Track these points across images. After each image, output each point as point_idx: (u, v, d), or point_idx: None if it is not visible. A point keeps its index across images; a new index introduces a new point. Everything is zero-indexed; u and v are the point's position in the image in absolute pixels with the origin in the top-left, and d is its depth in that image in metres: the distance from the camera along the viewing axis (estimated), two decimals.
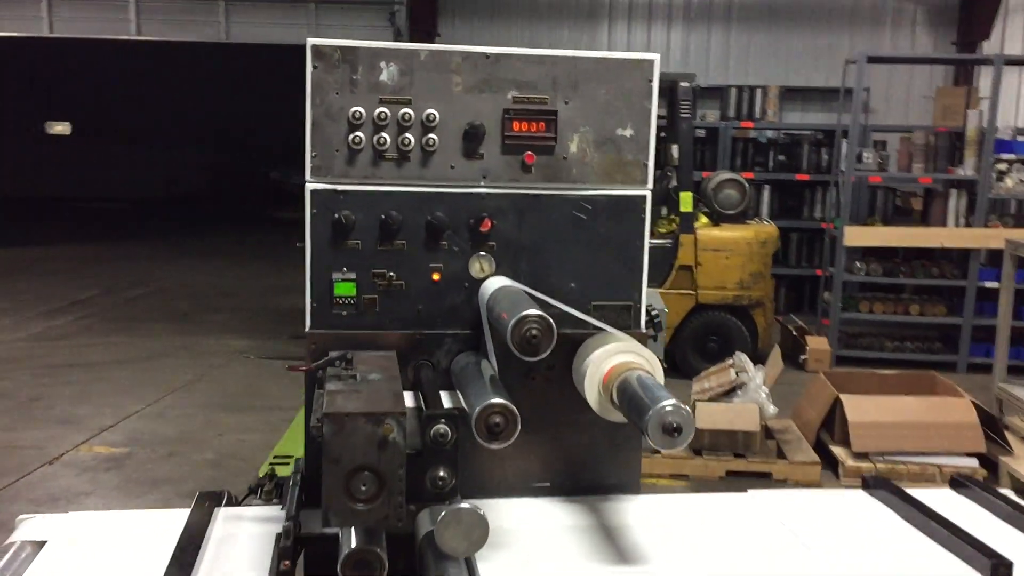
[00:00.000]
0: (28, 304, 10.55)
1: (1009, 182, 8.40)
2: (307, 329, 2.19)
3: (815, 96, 12.02)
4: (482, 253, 2.24)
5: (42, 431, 6.39)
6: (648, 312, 2.34)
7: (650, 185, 2.28)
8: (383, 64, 2.14)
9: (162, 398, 7.16)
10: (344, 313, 2.20)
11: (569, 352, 2.18)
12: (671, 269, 7.82)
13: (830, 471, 5.86)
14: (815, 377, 6.59)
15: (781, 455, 5.88)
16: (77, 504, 5.26)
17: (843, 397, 5.94)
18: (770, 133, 11.26)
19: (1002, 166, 8.48)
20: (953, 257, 8.71)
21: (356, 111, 2.14)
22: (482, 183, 2.23)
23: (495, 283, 2.18)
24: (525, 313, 1.83)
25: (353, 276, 2.19)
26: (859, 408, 5.88)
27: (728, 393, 5.97)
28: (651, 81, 2.25)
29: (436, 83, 2.17)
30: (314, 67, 2.13)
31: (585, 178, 2.25)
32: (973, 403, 5.88)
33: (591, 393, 2.06)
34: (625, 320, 2.29)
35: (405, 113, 2.16)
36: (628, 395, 1.90)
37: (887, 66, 11.21)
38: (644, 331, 2.28)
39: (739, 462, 5.78)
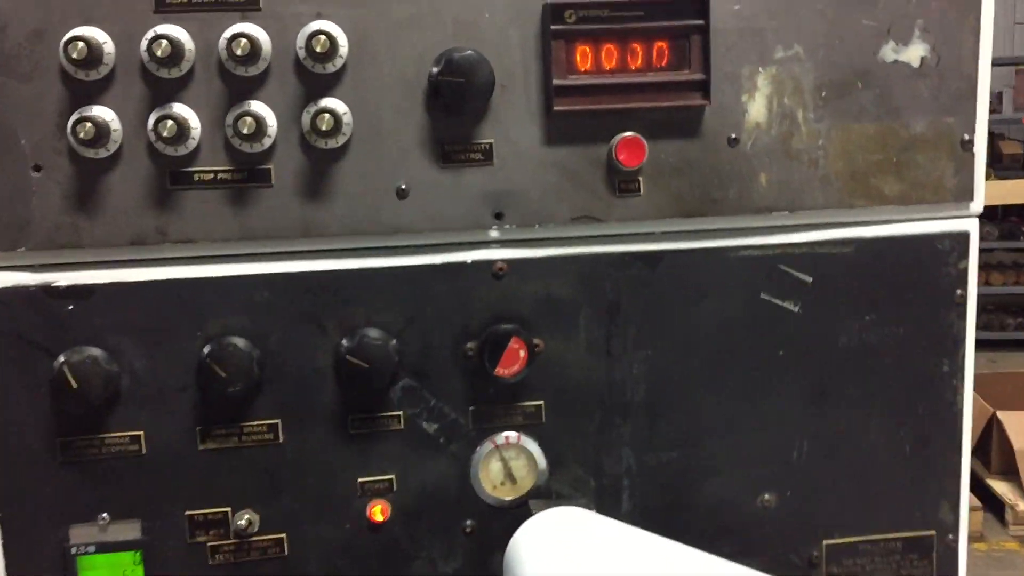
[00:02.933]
0: None
1: None
2: None
3: None
4: (510, 435, 0.78)
5: None
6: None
7: (979, 204, 0.81)
8: None
9: None
10: None
11: None
12: None
13: None
14: None
15: None
16: None
17: None
18: None
19: None
20: None
21: (80, 38, 0.69)
22: (494, 230, 0.78)
23: (548, 535, 0.72)
24: None
25: (136, 534, 0.76)
26: None
27: None
28: None
29: None
30: None
31: (798, 194, 0.79)
32: None
33: None
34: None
35: (238, 37, 0.70)
36: None
37: None
38: None
39: None
